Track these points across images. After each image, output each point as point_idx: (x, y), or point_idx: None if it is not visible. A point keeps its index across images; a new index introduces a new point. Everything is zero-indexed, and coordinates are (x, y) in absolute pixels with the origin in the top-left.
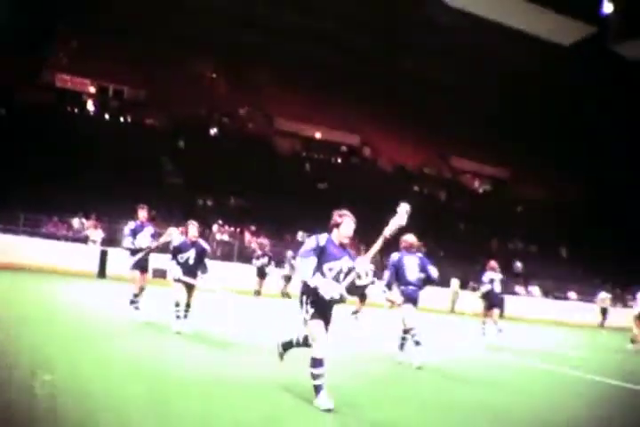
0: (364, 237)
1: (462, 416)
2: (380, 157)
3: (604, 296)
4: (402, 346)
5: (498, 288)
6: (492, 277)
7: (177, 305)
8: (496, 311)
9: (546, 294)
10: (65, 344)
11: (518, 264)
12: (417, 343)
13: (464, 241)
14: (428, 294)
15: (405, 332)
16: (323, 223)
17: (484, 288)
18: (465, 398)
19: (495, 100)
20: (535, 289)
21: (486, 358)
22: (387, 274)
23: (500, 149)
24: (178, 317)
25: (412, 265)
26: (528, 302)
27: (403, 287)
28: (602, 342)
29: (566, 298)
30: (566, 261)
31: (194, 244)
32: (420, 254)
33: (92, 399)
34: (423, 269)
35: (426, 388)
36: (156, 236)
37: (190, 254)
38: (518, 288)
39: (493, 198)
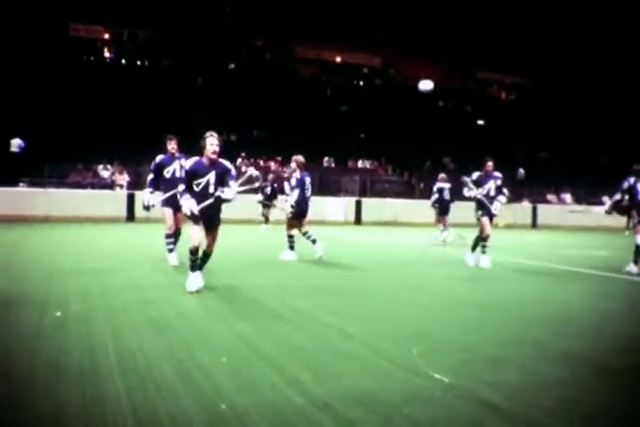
0: (391, 156)
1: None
2: (402, 76)
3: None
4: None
5: (447, 196)
6: (442, 186)
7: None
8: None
9: (578, 200)
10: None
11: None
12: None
13: (492, 152)
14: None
15: (484, 239)
16: (347, 146)
17: (433, 198)
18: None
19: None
20: (567, 197)
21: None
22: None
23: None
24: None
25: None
26: (560, 210)
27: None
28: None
29: (601, 203)
30: (602, 169)
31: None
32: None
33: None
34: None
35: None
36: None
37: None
38: (550, 196)
39: (521, 107)
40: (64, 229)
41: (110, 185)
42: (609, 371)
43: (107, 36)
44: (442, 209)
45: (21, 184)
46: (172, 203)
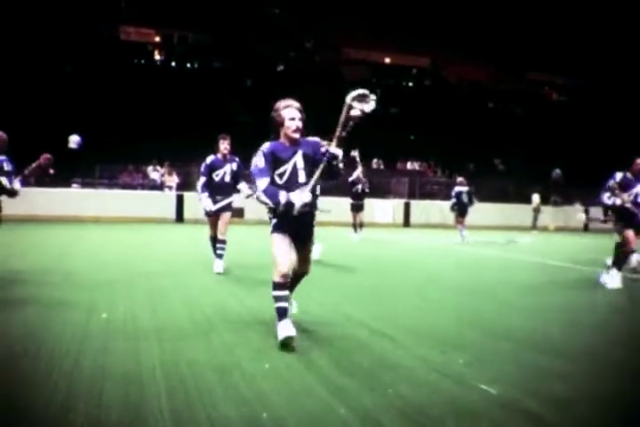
0: (442, 159)
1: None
2: (452, 77)
3: None
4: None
5: (465, 199)
6: (460, 190)
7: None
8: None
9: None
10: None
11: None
12: None
13: (544, 153)
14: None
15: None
16: (396, 147)
17: (452, 201)
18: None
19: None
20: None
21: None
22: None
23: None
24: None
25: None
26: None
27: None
28: None
29: None
30: None
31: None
32: None
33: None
34: None
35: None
36: (241, 173)
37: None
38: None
39: (573, 108)
40: (114, 229)
41: (160, 186)
42: None
43: (157, 38)
44: (460, 211)
45: (74, 185)
46: (215, 212)
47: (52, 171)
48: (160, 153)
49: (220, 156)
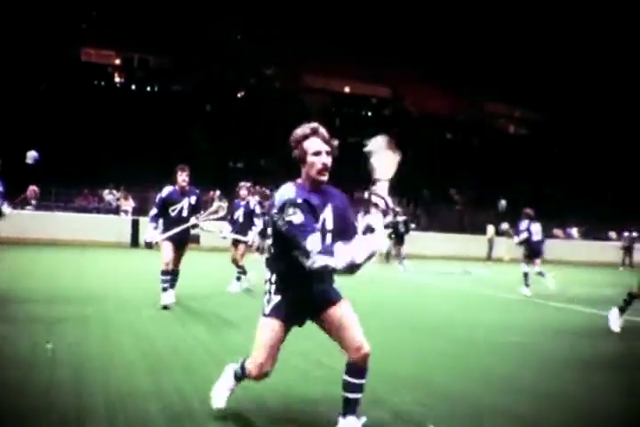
0: (399, 189)
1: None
2: (411, 106)
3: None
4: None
5: (402, 229)
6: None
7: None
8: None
9: (585, 235)
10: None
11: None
12: None
13: (498, 185)
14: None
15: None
16: (352, 176)
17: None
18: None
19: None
20: (574, 231)
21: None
22: None
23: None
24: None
25: None
26: (566, 245)
27: None
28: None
29: (607, 239)
30: (609, 203)
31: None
32: None
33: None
34: None
35: None
36: (199, 208)
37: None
38: (556, 231)
39: (529, 142)
40: (68, 253)
41: (115, 210)
42: None
43: (117, 61)
44: (397, 240)
45: (28, 207)
46: (174, 240)
47: (33, 202)
48: (117, 177)
49: (177, 188)
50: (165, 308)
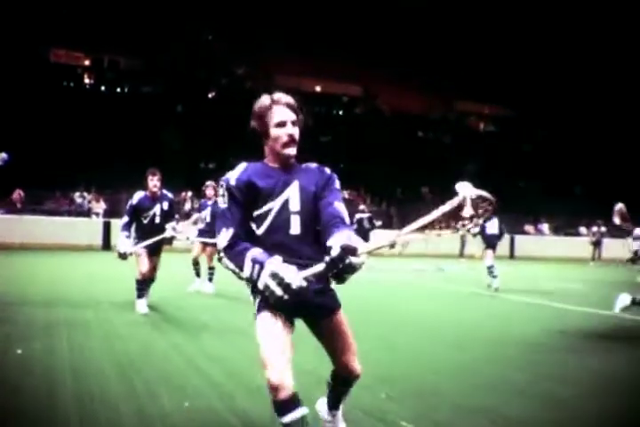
0: (372, 188)
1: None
2: (383, 105)
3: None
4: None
5: (367, 225)
6: (362, 216)
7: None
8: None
9: (556, 231)
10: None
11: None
12: None
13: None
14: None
15: None
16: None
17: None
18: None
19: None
20: (545, 227)
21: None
22: None
23: (505, 88)
24: None
25: None
26: (537, 241)
27: None
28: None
29: (578, 234)
30: (579, 198)
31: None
32: None
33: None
34: None
35: None
36: (172, 213)
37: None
38: (528, 227)
39: (499, 139)
40: (39, 257)
41: (87, 213)
42: None
43: (87, 62)
44: (363, 237)
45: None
46: (149, 249)
47: (19, 205)
48: (88, 179)
49: (149, 193)
50: (143, 315)
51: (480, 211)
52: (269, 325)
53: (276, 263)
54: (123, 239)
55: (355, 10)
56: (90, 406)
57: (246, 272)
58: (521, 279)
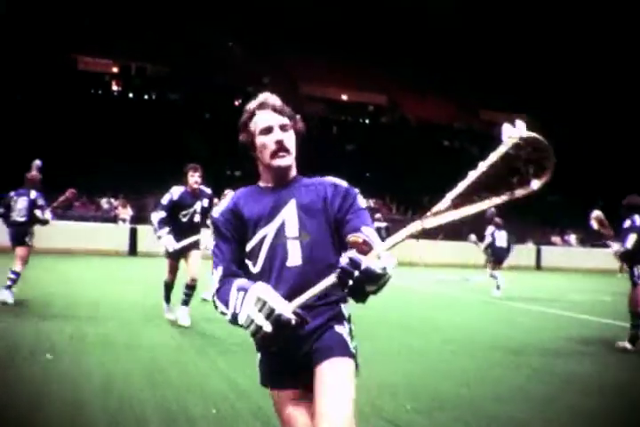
0: (397, 196)
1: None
2: (408, 114)
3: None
4: None
5: (385, 236)
6: (379, 226)
7: None
8: None
9: (582, 242)
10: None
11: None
12: None
13: None
14: None
15: None
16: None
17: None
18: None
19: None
20: (572, 238)
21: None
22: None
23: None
24: None
25: None
26: (564, 252)
27: None
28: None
29: (605, 245)
30: (602, 209)
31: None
32: None
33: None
34: None
35: None
36: (210, 213)
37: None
38: (554, 238)
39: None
40: (65, 262)
41: (113, 218)
42: None
43: (115, 69)
44: None
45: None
46: (178, 254)
47: (77, 203)
48: (115, 185)
49: (189, 189)
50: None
51: (531, 167)
52: (286, 411)
53: (262, 289)
54: (168, 236)
55: (382, 20)
56: (118, 409)
57: (231, 305)
58: (546, 290)
